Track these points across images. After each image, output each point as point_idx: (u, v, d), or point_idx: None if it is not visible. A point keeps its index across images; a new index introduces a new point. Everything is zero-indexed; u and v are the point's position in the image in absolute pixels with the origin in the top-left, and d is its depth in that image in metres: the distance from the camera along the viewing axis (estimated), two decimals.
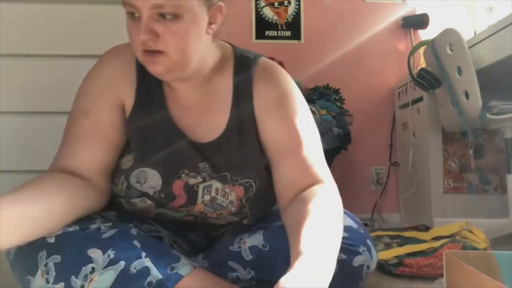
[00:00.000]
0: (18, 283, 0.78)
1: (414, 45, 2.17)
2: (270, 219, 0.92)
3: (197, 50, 0.82)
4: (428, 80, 1.72)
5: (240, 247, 0.81)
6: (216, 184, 0.87)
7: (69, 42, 1.89)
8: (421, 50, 1.91)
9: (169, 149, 0.86)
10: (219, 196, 0.88)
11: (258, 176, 0.88)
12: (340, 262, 0.77)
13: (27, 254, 0.74)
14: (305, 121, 0.89)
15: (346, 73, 2.38)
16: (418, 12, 2.40)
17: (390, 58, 2.42)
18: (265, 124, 0.88)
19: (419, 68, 1.90)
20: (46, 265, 0.72)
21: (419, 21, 2.37)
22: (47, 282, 0.71)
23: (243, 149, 0.88)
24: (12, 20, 1.82)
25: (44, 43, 1.86)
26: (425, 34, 2.35)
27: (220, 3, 0.84)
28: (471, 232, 1.36)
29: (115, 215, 0.85)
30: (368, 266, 0.80)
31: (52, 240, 0.73)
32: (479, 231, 1.37)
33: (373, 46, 2.40)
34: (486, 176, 1.96)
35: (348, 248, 0.79)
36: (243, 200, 0.88)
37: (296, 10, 2.41)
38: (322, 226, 0.72)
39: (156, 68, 0.80)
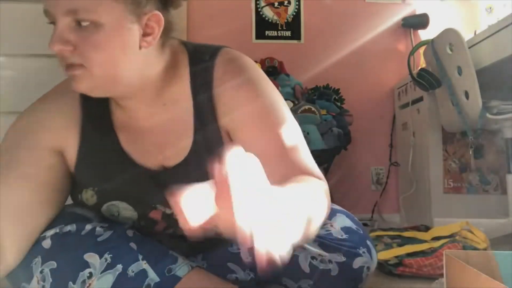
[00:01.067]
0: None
1: (414, 45, 2.17)
2: None
3: (126, 64, 0.71)
4: (428, 80, 1.72)
5: (239, 249, 0.81)
6: None
7: None
8: (421, 50, 1.91)
9: (130, 183, 0.78)
10: None
11: None
12: (340, 264, 0.77)
13: (22, 261, 0.73)
14: (278, 103, 0.78)
15: (346, 73, 2.38)
16: (418, 12, 2.40)
17: (390, 58, 2.42)
18: (240, 134, 0.77)
19: (419, 68, 1.90)
20: (41, 272, 0.71)
21: (419, 21, 2.37)
22: None
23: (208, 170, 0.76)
24: (12, 20, 1.82)
25: (44, 43, 1.86)
26: (425, 34, 2.35)
27: (155, 12, 0.71)
28: (471, 232, 1.36)
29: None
30: (368, 268, 0.80)
31: (47, 246, 0.72)
32: (479, 231, 1.37)
33: (373, 46, 2.39)
34: (486, 176, 1.96)
35: (348, 250, 0.79)
36: None
37: (296, 10, 2.41)
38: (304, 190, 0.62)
39: (77, 85, 0.71)
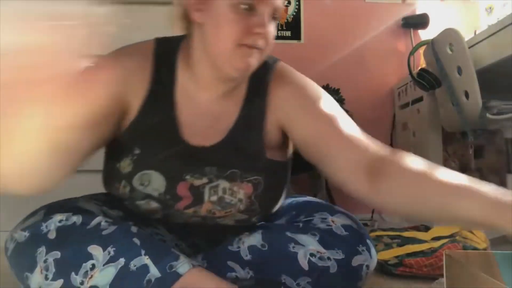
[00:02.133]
0: (16, 279, 0.78)
1: (414, 45, 2.17)
2: (271, 218, 0.92)
3: None
4: (428, 80, 1.72)
5: (239, 247, 0.81)
6: (224, 184, 0.86)
7: None
8: (421, 50, 1.91)
9: (172, 153, 0.85)
10: (227, 195, 0.87)
11: (266, 173, 0.88)
12: (339, 261, 0.78)
13: (25, 250, 0.74)
14: (335, 109, 0.90)
15: (346, 73, 2.38)
16: (418, 12, 2.40)
17: (390, 58, 2.42)
18: (293, 126, 0.89)
19: (419, 68, 1.90)
20: (45, 261, 0.72)
21: (419, 21, 2.37)
22: (46, 278, 0.71)
23: (247, 150, 0.88)
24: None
25: None
26: (425, 34, 2.35)
27: None
28: (471, 232, 1.36)
29: (121, 215, 0.85)
30: (367, 266, 0.80)
31: (52, 236, 0.74)
32: (479, 231, 1.37)
33: (373, 46, 2.40)
34: (486, 176, 1.96)
35: (348, 248, 0.80)
36: (252, 197, 0.87)
37: (296, 10, 2.41)
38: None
39: (251, 60, 0.82)
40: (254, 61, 0.82)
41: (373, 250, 0.82)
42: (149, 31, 2.10)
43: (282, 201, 0.95)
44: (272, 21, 0.82)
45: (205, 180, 0.86)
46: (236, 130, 0.89)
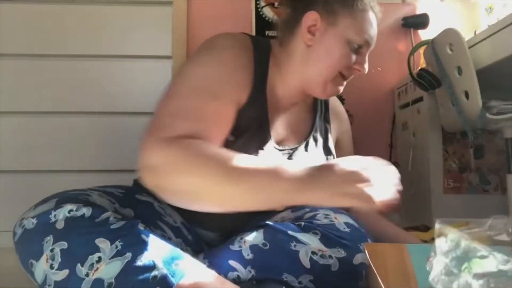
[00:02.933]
0: (19, 265, 0.78)
1: (414, 45, 2.16)
2: (273, 218, 0.93)
3: None
4: (428, 80, 1.72)
5: (240, 246, 0.81)
6: None
7: (69, 42, 1.89)
8: (421, 50, 1.91)
9: (260, 146, 0.95)
10: None
11: None
12: (340, 259, 0.78)
13: (33, 238, 0.75)
14: (352, 147, 1.22)
15: None
16: (418, 12, 2.40)
17: (390, 58, 2.42)
18: (340, 142, 1.15)
19: (419, 68, 1.90)
20: (52, 250, 0.73)
21: (419, 21, 2.37)
22: (51, 267, 0.72)
23: (320, 154, 1.05)
24: (12, 20, 1.82)
25: (44, 43, 1.86)
26: (425, 34, 2.35)
27: None
28: None
29: (132, 215, 0.86)
30: None
31: (60, 226, 0.74)
32: None
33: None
34: (486, 176, 1.96)
35: (349, 245, 0.80)
36: None
37: None
38: None
39: (338, 91, 1.04)
40: (341, 89, 1.03)
41: None
42: (149, 31, 2.10)
43: None
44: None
45: None
46: (312, 137, 1.06)
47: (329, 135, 1.12)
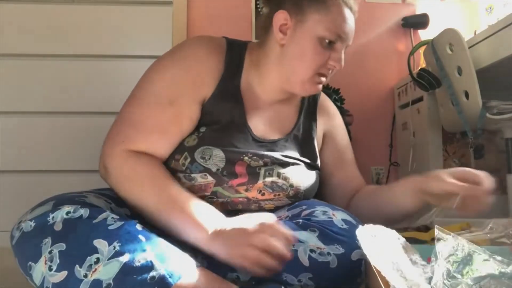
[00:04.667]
0: (18, 268, 0.78)
1: (414, 45, 2.16)
2: (275, 212, 0.93)
3: None
4: (428, 80, 1.72)
5: None
6: (279, 169, 0.97)
7: (69, 42, 1.89)
8: (421, 50, 1.91)
9: (235, 136, 0.97)
10: (280, 179, 0.96)
11: (312, 171, 1.03)
12: (338, 256, 0.78)
13: (31, 240, 0.75)
14: (348, 140, 1.18)
15: (346, 73, 2.37)
16: (418, 12, 2.40)
17: (390, 58, 2.42)
18: (326, 145, 1.13)
19: (419, 68, 1.90)
20: (50, 252, 0.73)
21: (419, 21, 2.37)
22: (50, 269, 0.72)
23: (304, 149, 1.05)
24: (12, 20, 1.82)
25: (44, 43, 1.86)
26: (425, 34, 2.35)
27: None
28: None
29: (128, 214, 0.86)
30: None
31: (58, 228, 0.75)
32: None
33: (373, 46, 2.39)
34: None
35: (347, 241, 0.80)
36: (301, 185, 0.98)
37: None
38: None
39: (320, 87, 1.01)
40: (321, 87, 1.00)
41: None
42: (149, 31, 2.10)
43: None
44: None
45: (261, 163, 0.95)
46: (295, 132, 1.06)
47: (313, 134, 1.10)
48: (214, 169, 0.92)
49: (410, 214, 1.01)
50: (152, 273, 0.71)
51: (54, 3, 1.86)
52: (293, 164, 0.99)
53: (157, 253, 0.73)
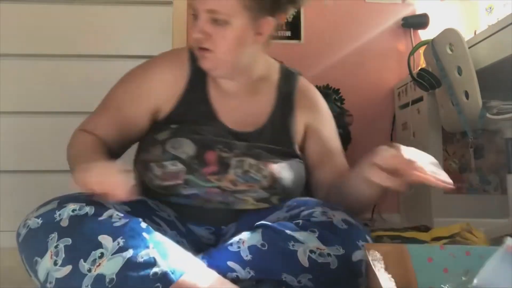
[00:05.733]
0: (25, 265, 0.78)
1: (414, 45, 2.17)
2: (274, 213, 0.93)
3: (241, 53, 0.98)
4: (428, 80, 1.72)
5: (239, 247, 0.81)
6: (250, 160, 0.96)
7: (69, 42, 1.89)
8: (421, 50, 1.91)
9: (206, 129, 0.98)
10: (253, 170, 0.95)
11: (290, 161, 1.01)
12: (339, 257, 0.78)
13: (38, 236, 0.76)
14: (335, 131, 1.13)
15: (346, 73, 2.38)
16: (418, 12, 2.40)
17: (390, 58, 2.42)
18: (311, 136, 1.08)
19: (419, 68, 1.90)
20: (56, 246, 0.74)
21: (419, 21, 2.37)
22: (55, 264, 0.73)
23: (278, 141, 1.03)
24: (12, 20, 1.82)
25: (44, 43, 1.86)
26: (425, 34, 2.35)
27: (270, 18, 0.97)
28: (471, 233, 1.36)
29: (128, 210, 0.86)
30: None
31: (64, 224, 0.75)
32: (480, 232, 1.37)
33: (373, 46, 2.40)
34: (486, 176, 1.96)
35: (347, 243, 0.80)
36: (276, 176, 0.96)
37: (296, 10, 2.41)
38: None
39: (205, 63, 0.98)
40: (208, 61, 0.96)
41: None
42: (149, 31, 2.10)
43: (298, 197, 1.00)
44: (215, 24, 0.93)
45: (232, 154, 0.96)
46: (269, 123, 1.04)
47: (290, 123, 1.07)
48: (183, 157, 0.94)
49: (370, 202, 0.98)
50: (155, 269, 0.71)
51: (54, 3, 1.86)
52: (267, 155, 0.98)
53: (160, 250, 0.74)
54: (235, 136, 1.00)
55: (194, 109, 1.02)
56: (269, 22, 0.97)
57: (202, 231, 0.98)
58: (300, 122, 1.08)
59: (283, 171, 0.98)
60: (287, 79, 1.11)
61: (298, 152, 1.06)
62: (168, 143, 0.95)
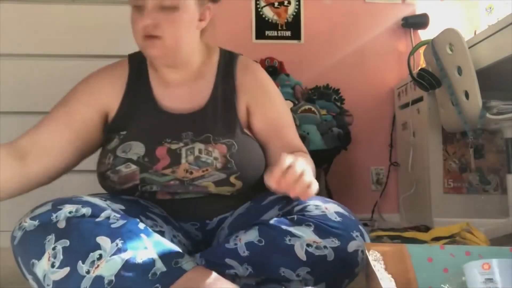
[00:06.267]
0: (21, 268, 0.78)
1: (414, 45, 2.17)
2: (266, 214, 0.93)
3: (187, 39, 1.00)
4: (428, 80, 1.72)
5: (236, 244, 0.82)
6: (199, 146, 0.97)
7: (69, 42, 1.89)
8: (421, 50, 1.91)
9: (152, 123, 0.99)
10: (203, 155, 0.97)
11: (238, 139, 1.01)
12: (335, 249, 0.79)
13: (34, 238, 0.76)
14: (281, 105, 1.12)
15: (346, 73, 2.38)
16: (418, 12, 2.40)
17: (390, 58, 2.42)
18: (255, 111, 1.07)
19: (419, 68, 1.90)
20: (54, 248, 0.73)
21: (419, 21, 2.37)
22: (52, 266, 0.72)
23: (222, 119, 1.03)
24: (12, 20, 1.82)
25: (44, 43, 1.86)
26: (425, 34, 2.35)
27: (210, 4, 1.01)
28: (471, 233, 1.36)
29: (122, 208, 0.86)
30: (362, 251, 0.81)
31: (61, 226, 0.75)
32: (479, 231, 1.37)
33: (373, 46, 2.40)
34: (486, 176, 1.96)
35: (342, 234, 0.81)
36: (227, 156, 0.97)
37: (296, 10, 2.41)
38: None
39: (153, 51, 0.96)
40: (156, 48, 0.96)
41: (366, 236, 0.84)
42: None
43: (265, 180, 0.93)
44: (165, 10, 0.94)
45: (181, 144, 0.97)
46: (211, 102, 1.04)
47: (233, 99, 1.06)
48: (135, 158, 0.94)
49: None
50: (154, 270, 0.71)
51: (54, 3, 1.86)
52: (214, 138, 0.99)
53: (158, 251, 0.74)
54: (181, 121, 1.00)
55: (139, 104, 1.02)
56: (210, 9, 1.01)
57: (189, 227, 0.99)
58: (241, 100, 1.06)
59: (232, 148, 0.98)
60: (227, 59, 1.10)
61: (245, 130, 1.05)
62: (118, 149, 0.96)
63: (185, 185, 0.95)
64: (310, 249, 0.79)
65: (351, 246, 0.80)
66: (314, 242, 0.80)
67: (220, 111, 1.03)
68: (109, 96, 1.03)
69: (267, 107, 1.08)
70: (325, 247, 0.79)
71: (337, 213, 0.85)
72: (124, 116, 1.02)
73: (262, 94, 1.09)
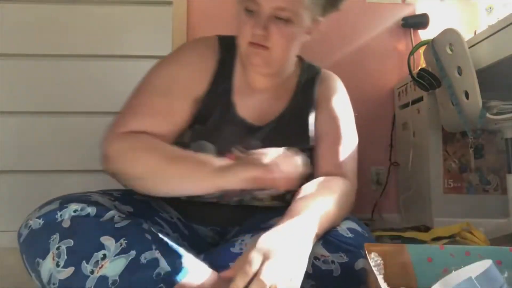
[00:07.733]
0: (26, 265, 0.78)
1: (414, 45, 2.16)
2: (274, 221, 0.93)
3: (293, 52, 1.00)
4: (428, 80, 1.72)
5: (241, 249, 0.81)
6: None
7: (69, 42, 1.89)
8: (421, 50, 1.91)
9: (227, 128, 0.99)
10: None
11: (306, 155, 0.97)
12: (342, 264, 0.78)
13: (40, 237, 0.76)
14: (348, 125, 1.11)
15: (346, 73, 2.37)
16: (418, 12, 2.40)
17: (390, 58, 2.42)
18: (317, 116, 1.07)
19: (419, 68, 1.90)
20: (58, 248, 0.73)
21: (419, 21, 2.37)
22: (57, 265, 0.73)
23: (292, 135, 1.03)
24: (12, 20, 1.82)
25: (44, 43, 1.86)
26: (425, 34, 2.35)
27: (321, 19, 1.00)
28: (471, 233, 1.36)
29: (130, 210, 0.86)
30: None
31: (66, 225, 0.75)
32: (479, 232, 1.37)
33: (373, 46, 2.39)
34: (486, 176, 1.96)
35: (351, 250, 0.80)
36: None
37: None
38: (325, 198, 0.85)
39: (256, 59, 0.95)
40: (261, 58, 0.93)
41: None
42: (149, 31, 2.09)
43: None
44: (278, 21, 0.91)
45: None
46: (285, 116, 1.04)
47: (308, 115, 1.07)
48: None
49: None
50: (158, 270, 0.71)
51: (54, 3, 1.86)
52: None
53: (163, 251, 0.74)
54: (251, 130, 1.00)
55: (217, 103, 1.00)
56: (320, 25, 1.00)
57: (207, 231, 0.98)
58: (315, 117, 1.08)
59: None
60: (309, 72, 1.12)
61: (312, 143, 1.05)
62: (192, 146, 0.97)
63: (243, 193, 0.95)
64: (317, 262, 0.78)
65: (359, 264, 0.80)
66: (322, 256, 0.79)
67: (292, 126, 1.04)
68: (200, 83, 1.01)
69: (332, 112, 1.08)
70: (332, 261, 0.79)
71: (349, 229, 0.84)
72: (202, 110, 1.00)
73: (332, 99, 1.10)
